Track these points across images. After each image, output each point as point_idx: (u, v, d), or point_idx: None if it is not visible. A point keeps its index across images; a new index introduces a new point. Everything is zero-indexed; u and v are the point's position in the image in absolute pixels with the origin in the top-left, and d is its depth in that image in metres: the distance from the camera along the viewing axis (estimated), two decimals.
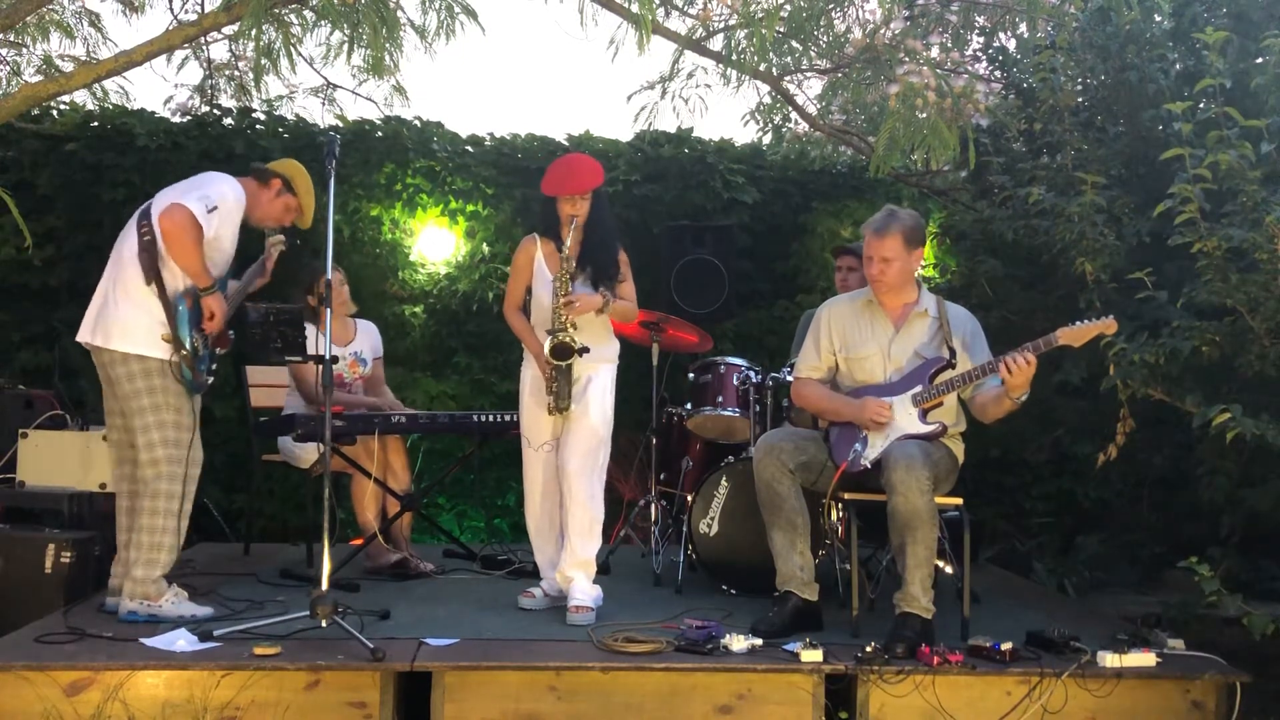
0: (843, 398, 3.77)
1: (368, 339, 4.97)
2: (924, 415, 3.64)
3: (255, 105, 6.42)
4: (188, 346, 3.65)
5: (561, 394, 3.87)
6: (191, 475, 3.72)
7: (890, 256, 3.69)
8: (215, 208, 3.62)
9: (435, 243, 6.48)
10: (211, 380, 3.83)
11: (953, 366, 3.66)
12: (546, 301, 3.91)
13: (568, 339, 3.81)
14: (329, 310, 3.54)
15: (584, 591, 3.85)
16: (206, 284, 3.65)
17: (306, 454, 4.64)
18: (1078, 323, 3.49)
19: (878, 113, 5.37)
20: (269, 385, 5.08)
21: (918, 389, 3.66)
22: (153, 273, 3.62)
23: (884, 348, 3.76)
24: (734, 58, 4.67)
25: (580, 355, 3.83)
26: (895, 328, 3.78)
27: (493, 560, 4.83)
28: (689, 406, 4.68)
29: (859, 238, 6.47)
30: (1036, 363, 3.47)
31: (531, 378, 4.00)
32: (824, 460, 3.77)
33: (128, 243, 3.69)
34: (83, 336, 3.71)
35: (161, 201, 3.66)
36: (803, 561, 3.75)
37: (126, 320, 3.62)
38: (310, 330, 4.35)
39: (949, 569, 4.23)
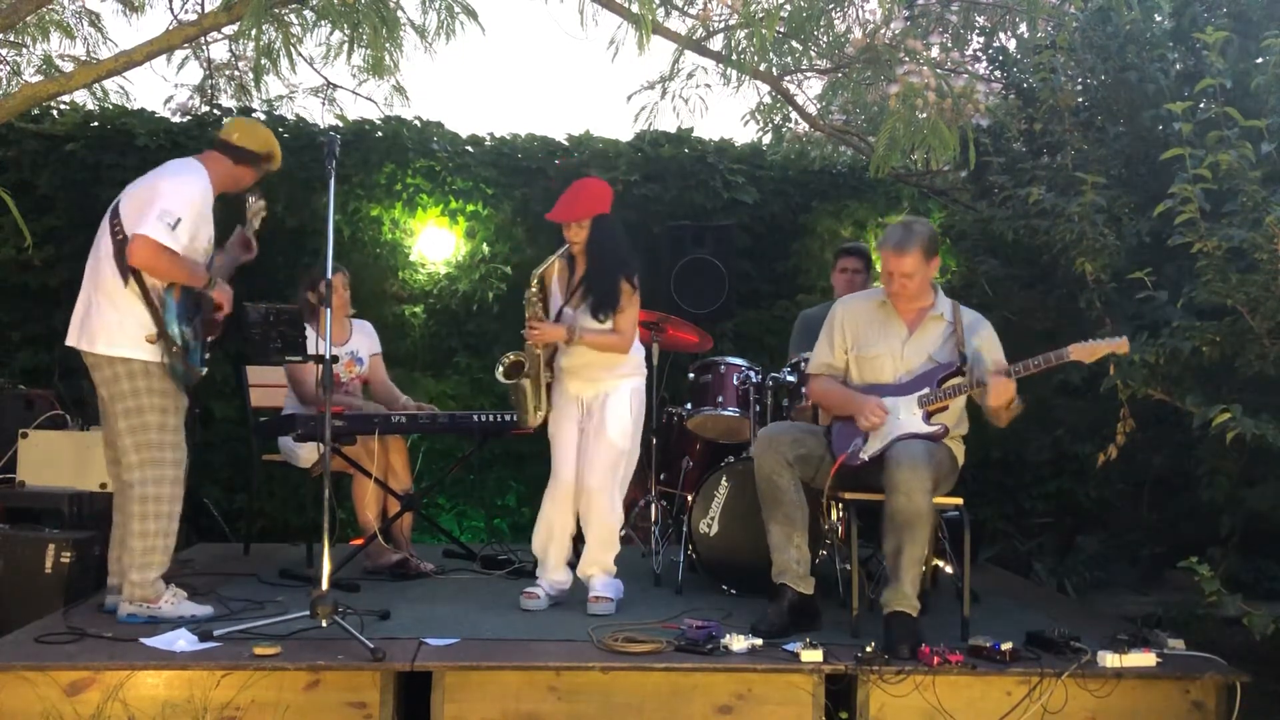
0: (851, 391, 3.79)
1: (363, 338, 4.96)
2: (928, 417, 3.65)
3: (255, 105, 6.41)
4: (179, 341, 3.61)
5: (520, 409, 4.09)
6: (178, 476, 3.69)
7: (910, 272, 3.67)
8: (179, 220, 3.56)
9: (435, 243, 6.48)
10: (205, 371, 3.78)
11: (963, 373, 3.66)
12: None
13: (518, 358, 4.04)
14: (329, 311, 3.53)
15: (604, 584, 3.95)
16: (202, 283, 3.64)
17: (307, 453, 4.64)
18: (1090, 340, 3.51)
19: (878, 113, 5.37)
20: (269, 385, 5.06)
21: (925, 391, 3.67)
22: (129, 272, 3.58)
23: (896, 349, 3.76)
24: (734, 58, 4.67)
25: (527, 377, 4.01)
26: (909, 330, 3.78)
27: (493, 560, 4.83)
28: (689, 406, 4.68)
29: (859, 238, 6.49)
30: (1015, 384, 3.51)
31: (559, 394, 4.11)
32: (822, 454, 3.77)
33: (103, 242, 3.67)
34: (70, 341, 3.70)
35: (126, 206, 3.63)
36: (799, 555, 3.75)
37: (110, 323, 3.59)
38: (309, 332, 4.33)
39: (949, 569, 4.23)
